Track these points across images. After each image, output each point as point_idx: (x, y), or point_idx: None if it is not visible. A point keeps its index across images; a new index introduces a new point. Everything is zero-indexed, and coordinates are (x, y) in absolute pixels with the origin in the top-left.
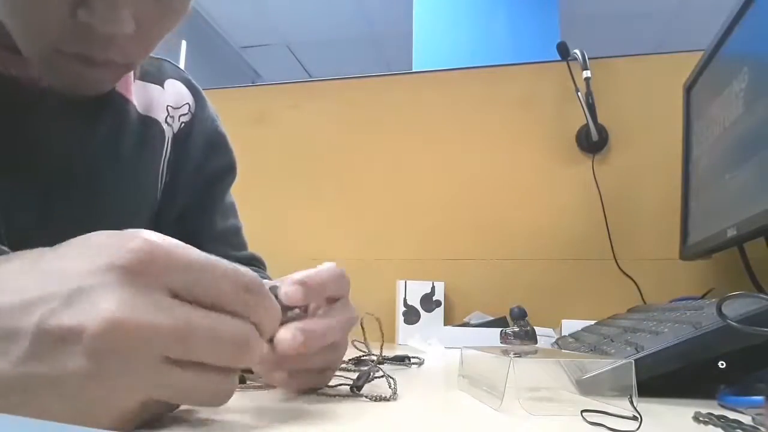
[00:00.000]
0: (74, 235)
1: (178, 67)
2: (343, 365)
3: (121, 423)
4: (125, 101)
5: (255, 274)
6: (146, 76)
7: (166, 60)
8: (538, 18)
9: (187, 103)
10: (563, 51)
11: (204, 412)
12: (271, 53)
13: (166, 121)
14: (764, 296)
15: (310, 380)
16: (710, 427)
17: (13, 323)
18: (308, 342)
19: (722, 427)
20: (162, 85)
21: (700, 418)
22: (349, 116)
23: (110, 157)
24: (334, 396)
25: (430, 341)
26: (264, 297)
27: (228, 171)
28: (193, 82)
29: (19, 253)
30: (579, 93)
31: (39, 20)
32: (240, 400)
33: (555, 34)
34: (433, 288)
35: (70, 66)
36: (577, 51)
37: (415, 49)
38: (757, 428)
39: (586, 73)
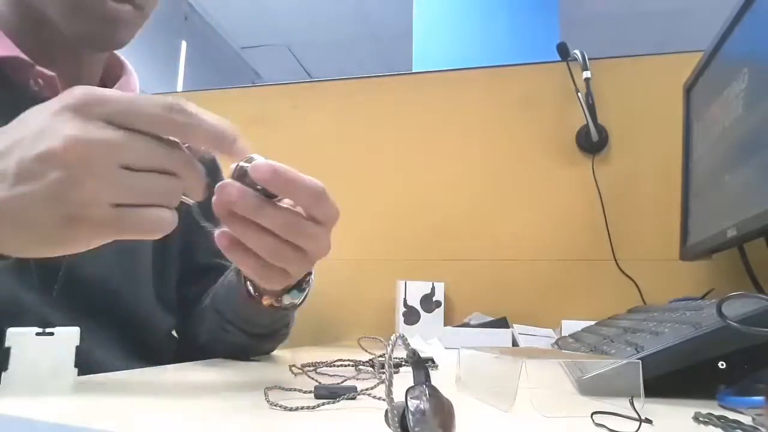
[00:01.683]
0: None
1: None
2: (362, 366)
3: (102, 230)
4: None
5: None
6: None
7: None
8: (538, 18)
9: None
10: (563, 51)
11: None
12: (271, 53)
13: None
14: (764, 296)
15: (276, 273)
16: (710, 427)
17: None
18: (282, 175)
19: (722, 428)
20: None
21: (700, 418)
22: (349, 116)
23: None
24: (337, 398)
25: (430, 342)
26: (190, 114)
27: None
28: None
29: None
30: (579, 93)
31: None
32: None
33: (555, 34)
34: (433, 288)
35: (98, 6)
36: (577, 51)
37: (415, 49)
38: (757, 428)
39: (586, 74)
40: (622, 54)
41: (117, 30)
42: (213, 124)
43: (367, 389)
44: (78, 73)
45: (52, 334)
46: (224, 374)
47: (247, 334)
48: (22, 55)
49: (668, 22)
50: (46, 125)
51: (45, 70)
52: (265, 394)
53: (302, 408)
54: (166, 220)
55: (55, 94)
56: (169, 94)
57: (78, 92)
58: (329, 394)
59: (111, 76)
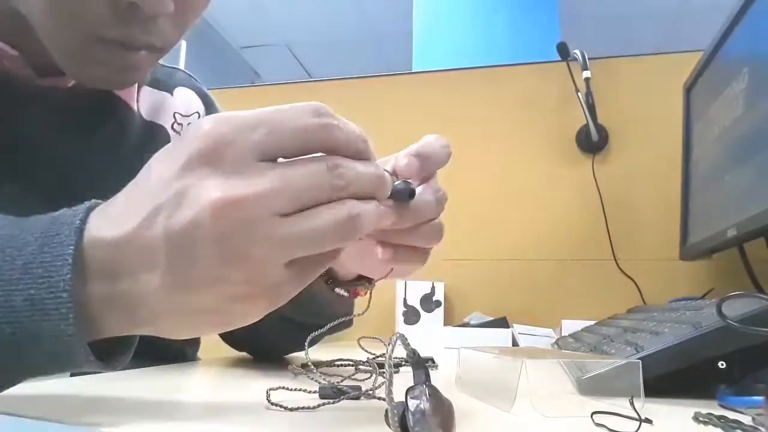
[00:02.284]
0: None
1: (192, 76)
2: (362, 366)
3: (279, 296)
4: (127, 107)
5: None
6: (156, 84)
7: (179, 69)
8: (538, 18)
9: (197, 112)
10: (563, 51)
11: None
12: (271, 53)
13: (173, 127)
14: (764, 296)
15: (413, 257)
16: (710, 427)
17: (144, 241)
18: (424, 159)
19: (722, 427)
20: (171, 92)
21: (700, 418)
22: (349, 116)
23: (110, 163)
24: (339, 399)
25: (430, 342)
26: (335, 118)
27: None
28: (206, 91)
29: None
30: (579, 93)
31: (83, 6)
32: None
33: (555, 34)
34: (433, 288)
35: (110, 53)
36: (577, 51)
37: (415, 49)
38: (757, 428)
39: (586, 74)
40: (622, 54)
41: (130, 77)
42: (353, 126)
43: (370, 389)
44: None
45: None
46: (224, 374)
47: (299, 324)
48: None
49: (668, 22)
50: (180, 186)
51: (7, 48)
52: (267, 394)
53: (303, 408)
54: (352, 222)
55: (27, 74)
56: None
57: (202, 131)
58: (333, 393)
59: None
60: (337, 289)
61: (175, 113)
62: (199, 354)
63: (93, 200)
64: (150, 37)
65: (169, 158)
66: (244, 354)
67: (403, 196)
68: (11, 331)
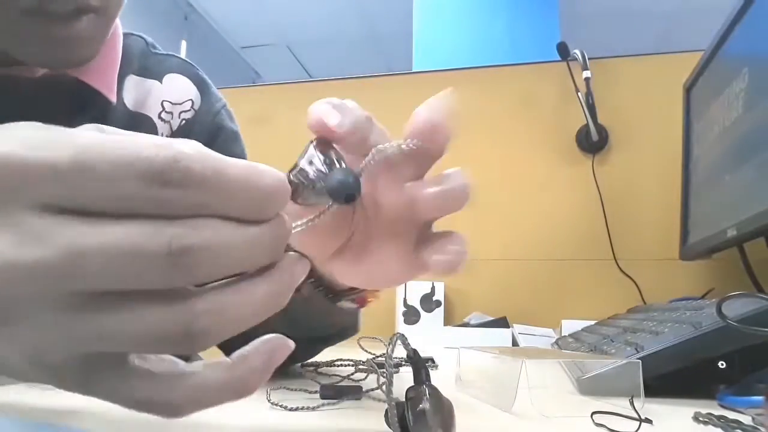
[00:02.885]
0: None
1: (187, 62)
2: (362, 366)
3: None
4: (106, 99)
5: (194, 148)
6: (143, 72)
7: (174, 55)
8: (538, 18)
9: (191, 99)
10: (563, 51)
11: None
12: (271, 53)
13: (160, 117)
14: (764, 296)
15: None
16: (710, 427)
17: None
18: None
19: (722, 427)
20: (160, 80)
21: (700, 418)
22: None
23: None
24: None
25: (430, 342)
26: (200, 186)
27: None
28: (203, 75)
29: None
30: (579, 93)
31: None
32: None
33: (555, 34)
34: (433, 288)
35: (40, 26)
36: (577, 51)
37: (415, 49)
38: (757, 428)
39: (586, 73)
40: (622, 54)
41: (75, 51)
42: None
43: (371, 389)
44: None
45: None
46: None
47: (323, 341)
48: None
49: (668, 22)
50: None
51: None
52: (267, 393)
53: (303, 408)
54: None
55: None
56: None
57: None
58: (334, 393)
59: None
60: (340, 304)
61: (163, 101)
62: (201, 354)
63: None
64: None
65: None
66: None
67: (339, 194)
68: None
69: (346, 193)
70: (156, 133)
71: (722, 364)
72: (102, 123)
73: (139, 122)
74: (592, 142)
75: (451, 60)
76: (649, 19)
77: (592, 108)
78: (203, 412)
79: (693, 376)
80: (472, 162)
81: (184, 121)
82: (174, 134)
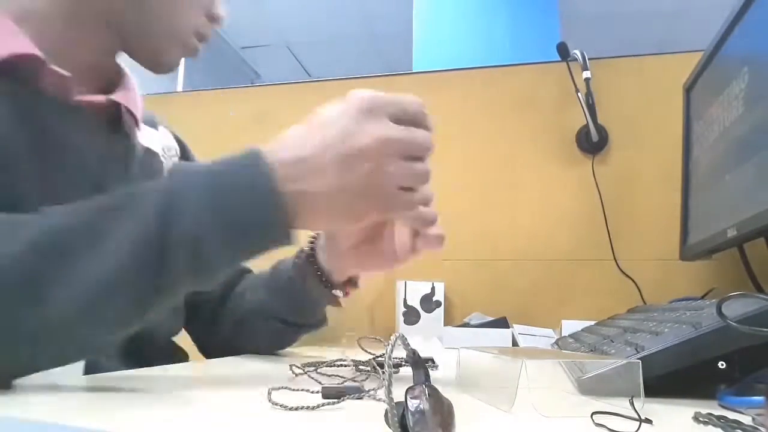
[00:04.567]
0: None
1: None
2: (362, 366)
3: (390, 204)
4: (134, 123)
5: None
6: (145, 119)
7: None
8: (538, 18)
9: (176, 147)
10: (563, 51)
11: None
12: (271, 53)
13: (163, 156)
14: (764, 296)
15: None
16: (710, 427)
17: (317, 161)
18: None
19: (722, 427)
20: (156, 128)
21: (700, 418)
22: None
23: (121, 178)
24: (341, 399)
25: (430, 342)
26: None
27: None
28: (177, 134)
29: (282, 139)
30: (579, 93)
31: (196, 14)
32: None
33: (555, 34)
34: (433, 288)
35: (193, 43)
36: (577, 51)
37: (415, 49)
38: (757, 428)
39: (586, 74)
40: (622, 54)
41: (179, 61)
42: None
43: (372, 389)
44: (89, 75)
45: None
46: (225, 374)
47: (297, 325)
48: (38, 53)
49: (668, 22)
50: (351, 127)
51: (60, 70)
52: (269, 393)
53: (303, 408)
54: (416, 200)
55: (66, 94)
56: (169, 94)
57: (366, 97)
58: (337, 393)
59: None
60: (334, 291)
61: (162, 146)
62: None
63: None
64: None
65: (334, 111)
66: (245, 354)
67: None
68: (237, 214)
69: None
70: (162, 168)
71: (722, 364)
72: (131, 148)
73: (151, 155)
74: (592, 142)
75: (451, 60)
76: (649, 19)
77: (592, 108)
78: (205, 413)
79: (693, 376)
80: (472, 162)
81: (174, 163)
82: None
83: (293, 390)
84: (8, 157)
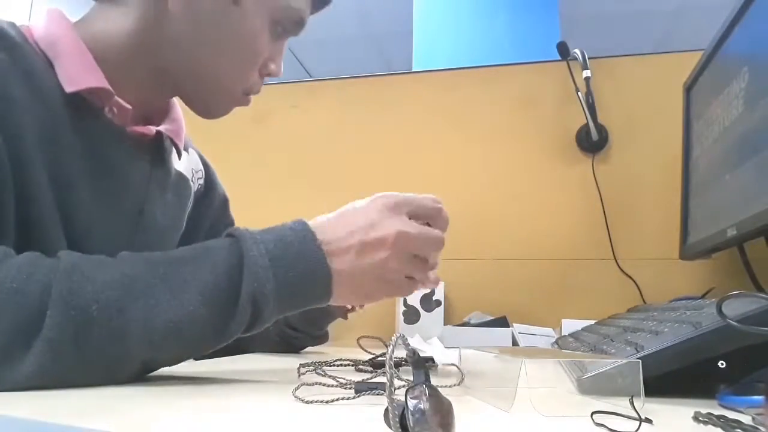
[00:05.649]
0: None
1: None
2: (362, 366)
3: (401, 289)
4: (176, 153)
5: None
6: None
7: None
8: (538, 18)
9: (201, 169)
10: (563, 51)
11: None
12: None
13: (192, 179)
14: (764, 296)
15: None
16: (710, 427)
17: (343, 244)
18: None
19: (722, 427)
20: (187, 151)
21: (700, 418)
22: (349, 116)
23: (159, 202)
24: (342, 399)
25: (430, 341)
26: (440, 203)
27: (231, 224)
28: (202, 154)
29: (318, 220)
30: (579, 93)
31: (250, 74)
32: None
33: (555, 33)
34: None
35: (243, 98)
36: (577, 51)
37: (415, 49)
38: (757, 428)
39: (586, 73)
40: (622, 54)
41: (229, 111)
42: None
43: (371, 389)
44: (142, 108)
45: None
46: (223, 373)
47: (305, 334)
48: (108, 86)
49: (668, 22)
50: (377, 219)
51: (123, 102)
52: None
53: (311, 402)
54: (417, 288)
55: (125, 123)
56: None
57: (391, 197)
58: (368, 389)
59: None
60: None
61: (191, 168)
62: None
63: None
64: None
65: (364, 204)
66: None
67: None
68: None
69: None
70: (190, 193)
71: (722, 364)
72: (168, 168)
73: (183, 179)
74: (592, 141)
75: (451, 60)
76: (649, 19)
77: (592, 108)
78: (226, 405)
79: (693, 376)
80: (471, 161)
81: (200, 186)
82: (195, 194)
83: (327, 386)
84: (71, 176)
